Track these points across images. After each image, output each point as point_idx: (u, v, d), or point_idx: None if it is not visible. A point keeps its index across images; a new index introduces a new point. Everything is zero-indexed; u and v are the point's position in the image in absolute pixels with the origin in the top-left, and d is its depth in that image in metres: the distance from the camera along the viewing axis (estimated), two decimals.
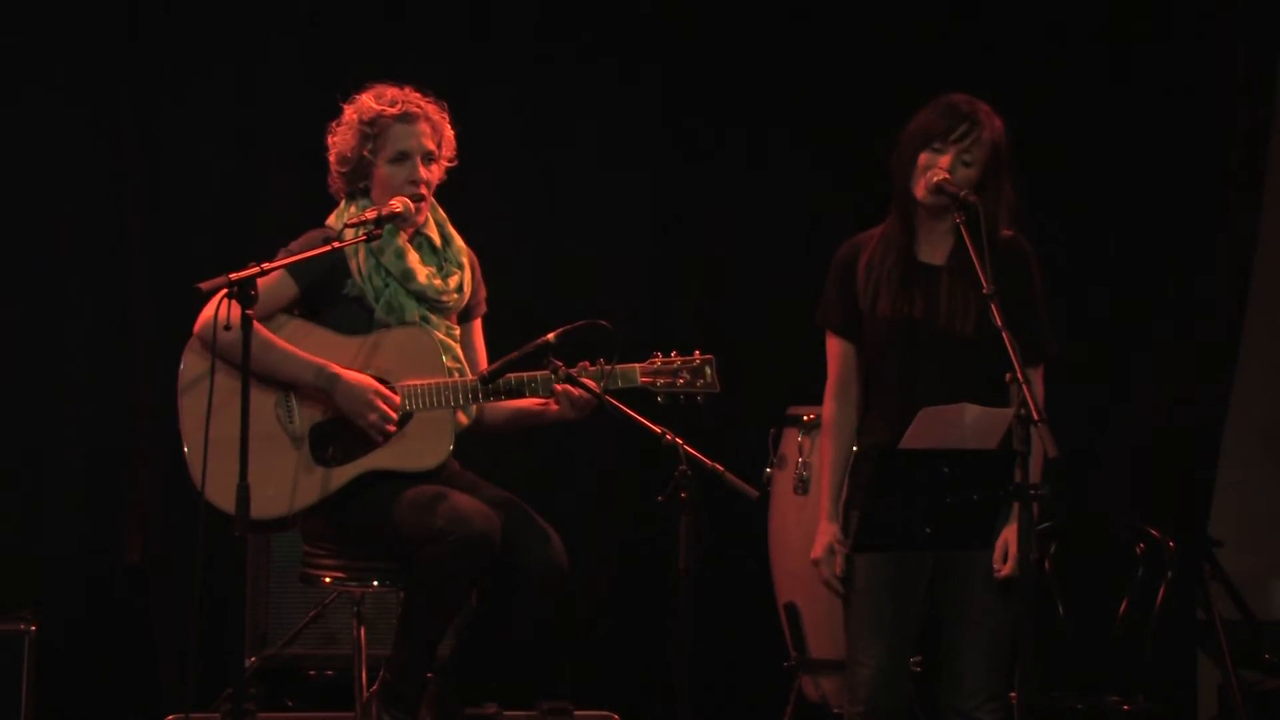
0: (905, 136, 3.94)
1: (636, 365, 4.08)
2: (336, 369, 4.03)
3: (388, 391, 4.04)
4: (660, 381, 4.08)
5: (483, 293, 4.37)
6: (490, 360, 4.28)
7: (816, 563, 3.98)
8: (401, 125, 4.14)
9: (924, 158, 3.90)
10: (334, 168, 4.21)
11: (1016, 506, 3.56)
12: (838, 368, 4.04)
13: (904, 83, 4.13)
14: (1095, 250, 5.77)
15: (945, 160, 3.87)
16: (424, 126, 4.16)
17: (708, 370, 4.11)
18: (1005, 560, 3.84)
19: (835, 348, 4.04)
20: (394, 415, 4.03)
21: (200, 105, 5.47)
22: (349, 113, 4.18)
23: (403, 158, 4.14)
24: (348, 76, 4.31)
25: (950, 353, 3.88)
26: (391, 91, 4.16)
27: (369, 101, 4.15)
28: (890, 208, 4.01)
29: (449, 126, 4.23)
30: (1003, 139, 3.92)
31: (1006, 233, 3.96)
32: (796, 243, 5.66)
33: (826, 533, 3.97)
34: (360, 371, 4.08)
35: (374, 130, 4.13)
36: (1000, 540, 3.83)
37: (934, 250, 3.96)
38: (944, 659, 3.94)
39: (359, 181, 4.18)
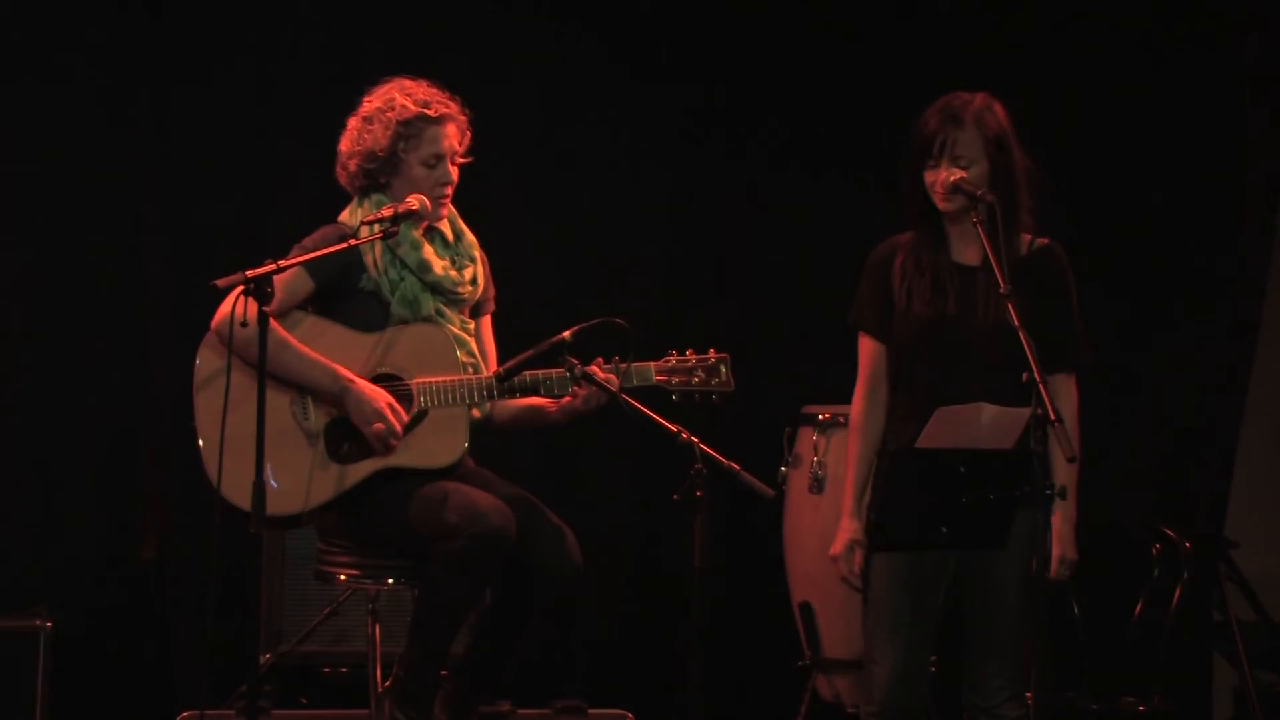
0: (909, 158, 3.96)
1: (651, 363, 4.08)
2: (350, 377, 4.03)
3: (399, 407, 4.03)
4: (675, 380, 4.08)
5: (491, 291, 4.37)
6: (501, 358, 4.28)
7: (836, 559, 3.97)
8: (436, 127, 4.14)
9: (928, 176, 3.93)
10: (355, 163, 4.17)
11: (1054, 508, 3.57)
12: (869, 368, 4.03)
13: (922, 83, 4.11)
14: (1109, 248, 5.76)
15: (942, 173, 3.89)
16: (454, 128, 4.17)
17: (722, 369, 4.11)
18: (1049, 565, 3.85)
19: (867, 348, 4.04)
20: (399, 430, 4.01)
21: (215, 99, 5.47)
22: (376, 106, 4.14)
23: (437, 160, 4.15)
24: (364, 70, 4.31)
25: (986, 354, 3.86)
26: (420, 90, 4.15)
27: (403, 100, 4.12)
28: (910, 220, 4.00)
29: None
30: (992, 120, 3.91)
31: (1042, 241, 3.96)
32: (812, 242, 5.66)
33: (847, 529, 3.96)
34: (376, 368, 4.08)
35: (410, 131, 4.12)
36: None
37: (967, 251, 3.96)
38: (967, 658, 3.93)
39: (383, 177, 4.17)
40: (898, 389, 4.00)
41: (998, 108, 3.95)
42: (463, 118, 4.20)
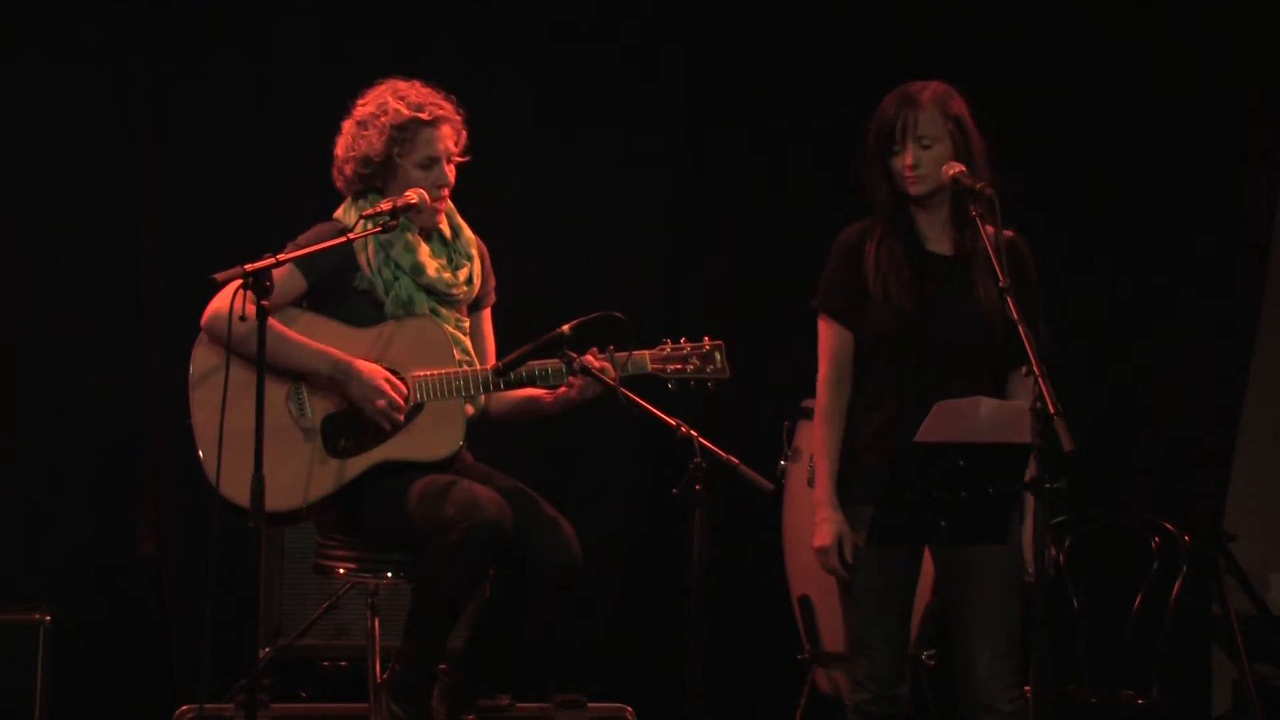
0: (869, 150, 3.96)
1: (646, 352, 4.08)
2: (348, 359, 4.04)
3: (397, 380, 4.04)
4: (670, 368, 4.08)
5: (492, 282, 4.37)
6: (500, 350, 4.28)
7: (824, 551, 3.94)
8: (430, 130, 4.13)
9: (895, 163, 3.93)
10: (350, 167, 4.17)
11: (1031, 505, 3.57)
12: (836, 355, 4.00)
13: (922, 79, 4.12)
14: (1109, 245, 5.76)
15: (908, 158, 3.89)
16: (448, 129, 4.16)
17: (717, 356, 4.11)
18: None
19: (834, 334, 4.00)
20: (401, 403, 4.03)
21: (215, 99, 5.47)
22: (370, 111, 4.13)
23: (432, 163, 4.14)
24: (364, 71, 4.30)
25: (964, 345, 3.88)
26: (413, 93, 4.14)
27: (395, 104, 4.11)
28: (878, 210, 3.99)
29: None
30: (951, 102, 3.91)
31: (1007, 232, 3.96)
32: (810, 236, 5.65)
33: (832, 520, 3.93)
34: (373, 364, 4.08)
35: (404, 135, 4.11)
36: (1026, 542, 3.85)
37: (939, 240, 3.97)
38: (957, 653, 3.92)
39: (379, 181, 4.17)
40: (865, 377, 3.97)
41: (954, 91, 3.95)
42: (457, 118, 4.18)
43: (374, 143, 4.12)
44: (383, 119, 4.12)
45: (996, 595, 3.86)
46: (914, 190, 3.92)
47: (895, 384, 3.92)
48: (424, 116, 4.12)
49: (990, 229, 3.76)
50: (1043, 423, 3.45)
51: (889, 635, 3.92)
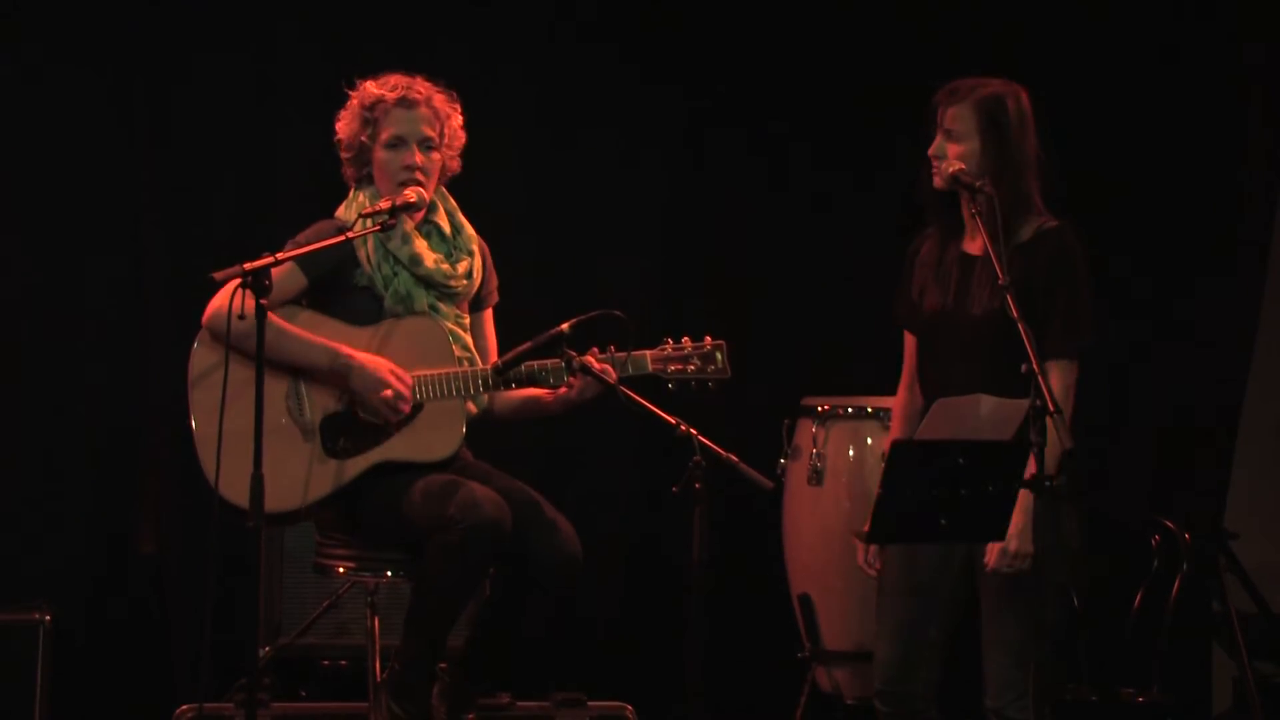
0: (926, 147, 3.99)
1: (647, 352, 4.07)
2: (350, 352, 4.03)
3: (401, 371, 4.03)
4: (671, 368, 4.07)
5: (494, 282, 4.36)
6: (502, 350, 4.28)
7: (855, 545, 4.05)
8: (399, 110, 4.12)
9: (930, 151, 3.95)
10: (342, 154, 4.21)
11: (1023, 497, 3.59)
12: (907, 360, 4.10)
13: (922, 77, 4.11)
14: (1109, 244, 5.75)
15: (931, 146, 3.91)
16: (424, 112, 4.13)
17: (718, 356, 4.10)
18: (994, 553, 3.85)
19: (906, 340, 4.10)
20: (407, 394, 4.02)
21: (214, 98, 5.47)
22: (353, 99, 4.18)
23: (398, 143, 4.13)
24: (364, 70, 4.30)
25: (980, 344, 3.88)
26: (396, 78, 4.16)
27: (371, 87, 4.15)
28: (928, 209, 4.04)
29: (458, 115, 4.21)
30: (992, 102, 3.89)
31: (1051, 223, 3.95)
32: (810, 235, 5.66)
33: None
34: (376, 356, 4.07)
35: (373, 115, 4.12)
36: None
37: (975, 240, 3.97)
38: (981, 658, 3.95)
39: (362, 168, 4.19)
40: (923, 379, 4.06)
41: (1008, 91, 3.93)
42: (440, 104, 4.16)
43: (351, 126, 4.17)
44: (355, 102, 4.16)
45: (1011, 602, 3.85)
46: (935, 182, 3.93)
47: (930, 386, 3.98)
48: (392, 96, 4.12)
49: (984, 227, 3.76)
50: (1042, 420, 3.45)
51: (897, 629, 3.96)
